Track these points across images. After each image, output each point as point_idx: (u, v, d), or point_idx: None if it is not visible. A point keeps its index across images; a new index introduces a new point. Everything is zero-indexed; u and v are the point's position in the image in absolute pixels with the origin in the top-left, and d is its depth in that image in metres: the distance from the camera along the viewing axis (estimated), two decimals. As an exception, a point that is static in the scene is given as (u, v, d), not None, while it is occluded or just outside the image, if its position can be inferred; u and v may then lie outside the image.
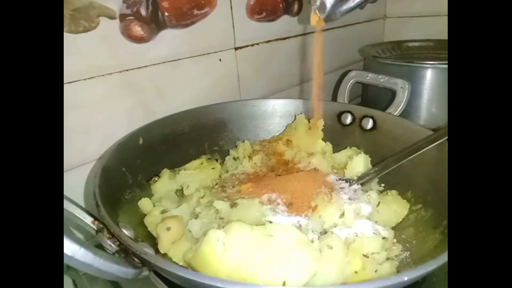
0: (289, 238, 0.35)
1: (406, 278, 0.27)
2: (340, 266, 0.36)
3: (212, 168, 0.56)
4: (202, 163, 0.56)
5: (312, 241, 0.37)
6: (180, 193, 0.52)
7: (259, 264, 0.33)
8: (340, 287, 0.31)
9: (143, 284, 0.39)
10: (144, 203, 0.47)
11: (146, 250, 0.29)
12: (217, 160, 0.62)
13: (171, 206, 0.47)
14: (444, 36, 1.04)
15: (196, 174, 0.54)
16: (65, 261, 0.23)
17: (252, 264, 0.33)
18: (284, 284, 0.31)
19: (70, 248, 0.23)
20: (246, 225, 0.35)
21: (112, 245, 0.32)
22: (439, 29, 1.05)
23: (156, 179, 0.52)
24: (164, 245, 0.39)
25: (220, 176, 0.57)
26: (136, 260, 0.30)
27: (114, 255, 0.31)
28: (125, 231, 0.33)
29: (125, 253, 0.31)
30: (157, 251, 0.40)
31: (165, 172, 0.53)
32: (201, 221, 0.42)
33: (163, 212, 0.45)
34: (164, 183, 0.51)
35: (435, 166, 0.49)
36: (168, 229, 0.39)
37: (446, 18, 1.05)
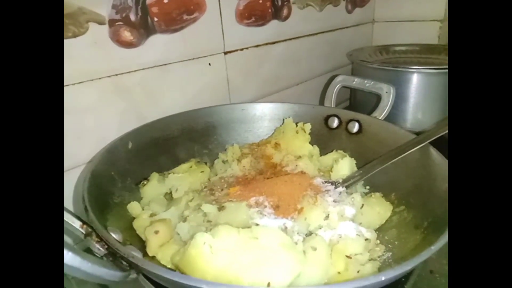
0: (274, 240, 0.36)
1: (383, 278, 0.28)
2: (324, 267, 0.37)
3: (201, 172, 0.57)
4: (191, 167, 0.57)
5: (296, 243, 0.38)
6: (169, 197, 0.53)
7: (245, 266, 0.34)
8: (321, 287, 0.32)
9: (132, 287, 0.40)
10: (133, 207, 0.48)
11: (134, 254, 0.30)
12: (206, 163, 0.62)
13: (159, 209, 0.48)
14: (430, 40, 1.07)
15: (185, 177, 0.54)
16: (53, 265, 0.24)
17: (238, 266, 0.34)
18: (268, 285, 0.32)
19: (58, 252, 0.24)
20: (233, 228, 0.36)
21: (101, 248, 0.33)
22: (425, 33, 1.08)
23: (145, 182, 0.53)
24: (152, 248, 0.40)
25: (209, 179, 0.58)
26: (124, 263, 0.31)
27: (102, 259, 0.32)
28: (113, 235, 0.34)
29: (113, 256, 0.31)
30: (145, 254, 0.40)
31: (154, 176, 0.53)
32: (189, 224, 0.43)
33: (151, 215, 0.46)
34: (153, 187, 0.52)
35: (418, 169, 0.51)
36: (156, 232, 0.40)
37: (432, 23, 1.07)
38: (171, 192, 0.52)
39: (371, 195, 0.52)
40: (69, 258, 0.24)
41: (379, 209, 0.49)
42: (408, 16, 1.12)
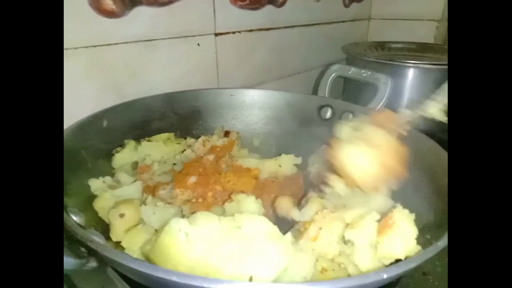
0: (259, 230, 0.32)
1: (385, 276, 0.24)
2: (311, 261, 0.33)
3: (177, 143, 0.54)
4: (169, 138, 0.55)
5: (284, 233, 0.34)
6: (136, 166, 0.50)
7: (225, 257, 0.30)
8: (314, 284, 0.28)
9: (99, 279, 0.35)
10: (95, 183, 0.43)
11: (94, 238, 0.25)
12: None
13: (127, 180, 0.44)
14: (426, 40, 1.05)
15: (159, 146, 0.51)
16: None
17: (218, 257, 0.30)
18: (251, 279, 0.28)
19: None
20: (213, 215, 0.32)
21: (56, 231, 0.28)
22: (421, 33, 1.06)
23: (118, 150, 0.49)
24: (117, 233, 0.35)
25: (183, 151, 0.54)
26: (82, 249, 0.26)
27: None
28: (73, 217, 0.29)
29: (70, 241, 0.27)
30: (109, 239, 0.35)
31: (130, 143, 0.50)
32: (154, 206, 0.38)
33: (111, 188, 0.41)
34: (126, 154, 0.48)
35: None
36: (122, 215, 0.35)
37: (429, 23, 1.05)
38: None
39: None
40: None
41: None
42: (405, 14, 1.10)
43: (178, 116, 0.60)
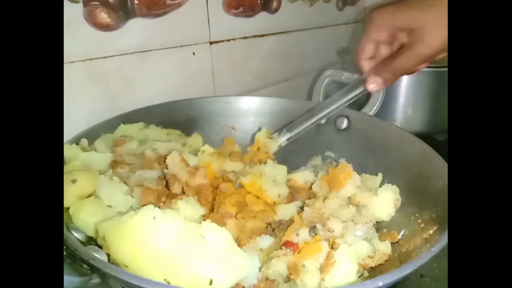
0: (220, 243, 0.32)
1: (381, 283, 0.25)
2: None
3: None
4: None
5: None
6: None
7: (184, 256, 0.31)
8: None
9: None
10: (68, 148, 0.43)
11: (96, 255, 0.26)
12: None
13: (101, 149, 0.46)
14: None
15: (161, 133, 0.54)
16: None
17: (178, 254, 0.31)
18: (211, 283, 0.30)
19: None
20: (180, 215, 0.33)
21: (59, 249, 0.29)
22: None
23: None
24: (68, 198, 0.35)
25: None
26: (85, 266, 0.27)
27: (59, 261, 0.28)
28: (74, 234, 0.30)
29: (72, 258, 0.27)
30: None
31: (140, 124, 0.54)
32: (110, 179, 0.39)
33: (84, 150, 0.43)
34: (132, 130, 0.53)
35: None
36: (74, 181, 0.36)
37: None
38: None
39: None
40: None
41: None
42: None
43: (175, 125, 0.60)
